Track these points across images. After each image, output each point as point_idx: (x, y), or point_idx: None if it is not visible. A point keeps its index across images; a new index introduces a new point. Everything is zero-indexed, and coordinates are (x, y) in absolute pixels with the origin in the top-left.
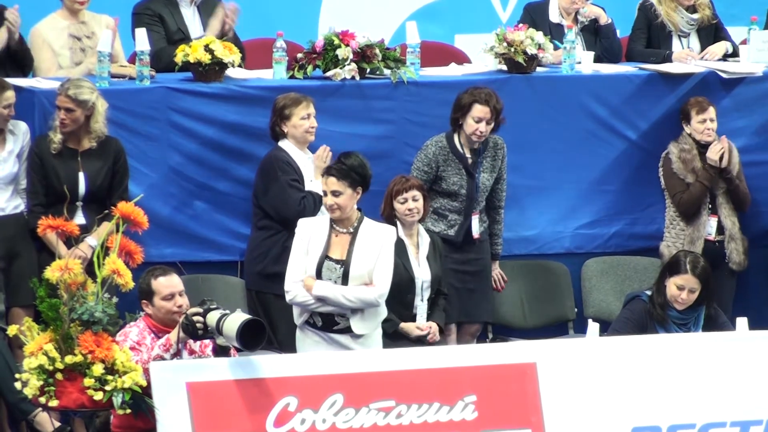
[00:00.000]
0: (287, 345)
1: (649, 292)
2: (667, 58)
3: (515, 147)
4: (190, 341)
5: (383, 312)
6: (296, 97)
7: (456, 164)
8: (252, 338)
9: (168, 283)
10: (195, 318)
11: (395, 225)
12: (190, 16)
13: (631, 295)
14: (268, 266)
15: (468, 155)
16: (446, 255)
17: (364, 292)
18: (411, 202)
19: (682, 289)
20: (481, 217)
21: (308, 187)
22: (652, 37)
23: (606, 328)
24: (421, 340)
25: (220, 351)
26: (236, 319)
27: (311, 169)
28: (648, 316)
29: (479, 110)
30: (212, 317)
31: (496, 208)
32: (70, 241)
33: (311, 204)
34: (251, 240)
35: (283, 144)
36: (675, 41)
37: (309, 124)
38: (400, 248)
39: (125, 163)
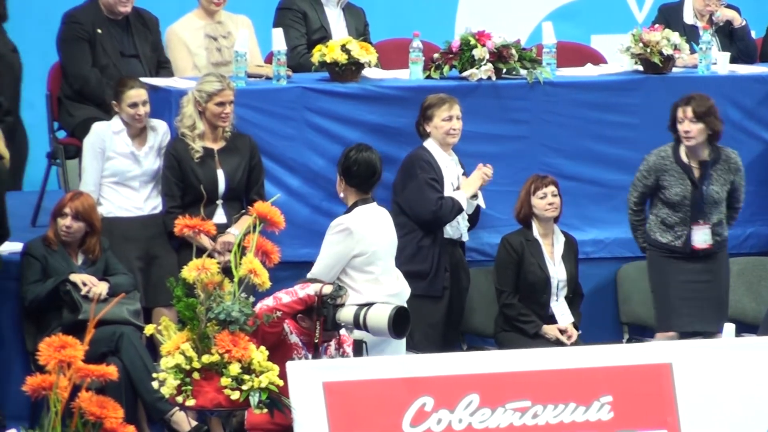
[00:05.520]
0: (423, 346)
1: None
2: None
3: (654, 147)
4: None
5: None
6: (441, 98)
7: (679, 174)
8: (402, 326)
9: None
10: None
11: (530, 227)
12: (335, 17)
13: None
14: (402, 265)
15: (694, 165)
16: (677, 267)
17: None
18: (550, 197)
19: None
20: (714, 229)
21: (449, 193)
22: None
23: (742, 330)
24: (559, 342)
25: (356, 346)
26: (382, 310)
27: (454, 172)
28: None
29: (682, 111)
30: (346, 312)
31: (734, 208)
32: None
33: (448, 206)
34: None
35: (427, 144)
36: None
37: (450, 126)
38: (535, 248)
39: (260, 159)
